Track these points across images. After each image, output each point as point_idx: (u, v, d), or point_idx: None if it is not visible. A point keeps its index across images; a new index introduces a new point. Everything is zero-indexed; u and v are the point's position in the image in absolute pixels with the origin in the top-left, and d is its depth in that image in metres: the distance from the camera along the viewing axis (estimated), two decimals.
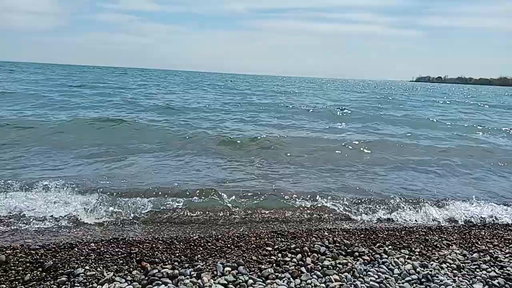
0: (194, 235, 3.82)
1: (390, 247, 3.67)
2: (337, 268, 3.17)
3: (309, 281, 2.96)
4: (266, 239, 3.68)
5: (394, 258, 3.39)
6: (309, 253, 3.40)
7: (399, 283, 3.00)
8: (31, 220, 4.11)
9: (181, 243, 3.50)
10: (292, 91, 38.51)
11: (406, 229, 4.35)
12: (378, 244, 3.73)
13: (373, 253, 3.49)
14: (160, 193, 5.17)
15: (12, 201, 4.52)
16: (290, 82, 77.94)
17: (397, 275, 3.11)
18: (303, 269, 3.12)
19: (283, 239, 3.73)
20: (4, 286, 2.69)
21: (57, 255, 3.09)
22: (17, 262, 2.96)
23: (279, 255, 3.35)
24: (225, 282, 2.81)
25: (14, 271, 2.86)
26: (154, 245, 3.38)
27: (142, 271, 2.93)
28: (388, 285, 2.96)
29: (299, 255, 3.34)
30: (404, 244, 3.80)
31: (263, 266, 3.11)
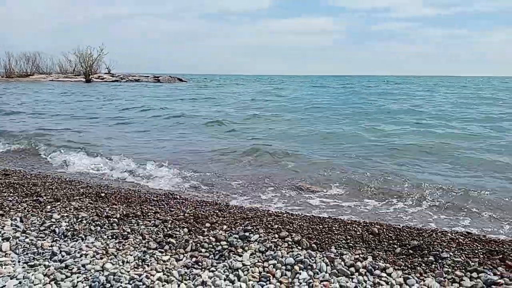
0: None
1: None
2: None
3: None
4: None
5: None
6: None
7: None
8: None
9: None
10: None
11: None
12: None
13: None
14: None
15: None
16: None
17: None
18: None
19: None
20: (380, 252, 3.30)
21: (419, 238, 3.51)
22: (386, 237, 3.56)
23: None
24: None
25: (386, 243, 3.46)
26: None
27: (508, 269, 2.94)
28: None
29: None
30: None
31: None
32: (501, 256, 3.13)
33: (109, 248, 3.32)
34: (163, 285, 2.78)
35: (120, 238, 3.56)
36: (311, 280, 2.84)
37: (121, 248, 3.35)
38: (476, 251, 3.23)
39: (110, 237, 3.56)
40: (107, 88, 37.81)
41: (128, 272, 2.92)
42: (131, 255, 3.20)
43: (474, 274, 2.87)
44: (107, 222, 3.91)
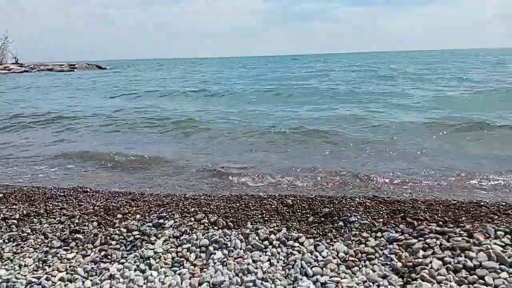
0: (453, 199, 3.82)
1: None
2: None
3: None
4: None
5: None
6: None
7: None
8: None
9: (440, 206, 3.56)
10: None
11: None
12: None
13: None
14: None
15: None
16: None
17: None
18: None
19: None
20: (294, 223, 3.37)
21: (330, 205, 3.64)
22: (300, 207, 3.64)
23: None
24: (502, 244, 2.73)
25: (300, 213, 3.54)
26: (415, 205, 3.55)
27: (408, 226, 3.15)
28: None
29: None
30: None
31: None
32: (402, 214, 3.35)
33: (4, 252, 3.00)
34: (65, 285, 2.57)
35: (19, 240, 3.24)
36: (225, 259, 2.81)
37: (19, 251, 3.05)
38: (381, 212, 3.42)
39: (6, 241, 3.22)
40: None
41: (25, 276, 2.66)
42: (30, 258, 2.92)
43: (379, 234, 3.03)
44: (4, 224, 3.54)
